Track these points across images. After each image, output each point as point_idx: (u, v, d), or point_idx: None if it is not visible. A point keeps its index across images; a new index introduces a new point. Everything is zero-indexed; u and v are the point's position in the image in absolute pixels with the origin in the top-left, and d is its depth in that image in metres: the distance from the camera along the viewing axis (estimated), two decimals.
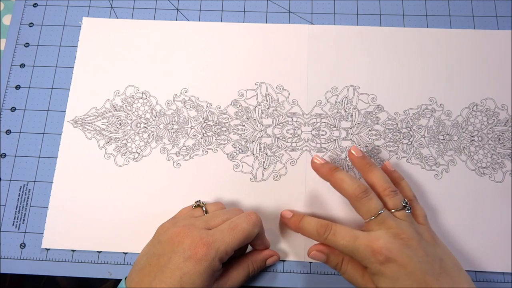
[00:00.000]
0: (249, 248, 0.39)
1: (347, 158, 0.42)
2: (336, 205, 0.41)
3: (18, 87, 0.45)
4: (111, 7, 0.48)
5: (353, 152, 0.39)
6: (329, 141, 0.43)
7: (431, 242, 0.35)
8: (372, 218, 0.35)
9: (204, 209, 0.37)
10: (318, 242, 0.38)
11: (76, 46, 0.46)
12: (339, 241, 0.34)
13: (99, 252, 0.40)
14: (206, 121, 0.44)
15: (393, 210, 0.36)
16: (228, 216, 0.35)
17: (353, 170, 0.42)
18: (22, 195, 0.42)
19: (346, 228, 0.35)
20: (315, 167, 0.39)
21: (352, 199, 0.36)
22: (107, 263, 0.40)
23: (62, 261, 0.40)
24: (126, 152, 0.43)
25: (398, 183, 0.39)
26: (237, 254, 0.37)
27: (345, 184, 0.36)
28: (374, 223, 0.35)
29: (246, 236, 0.34)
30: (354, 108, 0.44)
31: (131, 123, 0.44)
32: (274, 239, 0.40)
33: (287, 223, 0.39)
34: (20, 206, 0.42)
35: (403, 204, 0.36)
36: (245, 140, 0.43)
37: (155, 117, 0.44)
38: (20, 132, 0.44)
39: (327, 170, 0.38)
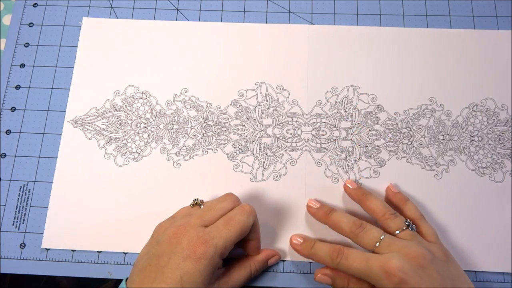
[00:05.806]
0: None
1: (347, 158, 0.42)
2: (335, 205, 0.41)
3: (18, 87, 0.45)
4: (111, 7, 0.48)
5: (348, 185, 0.40)
6: (329, 141, 0.43)
7: (443, 259, 0.34)
8: (377, 246, 0.34)
9: (201, 207, 0.37)
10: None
11: (76, 46, 0.46)
12: (352, 264, 0.34)
13: (99, 252, 0.40)
14: (206, 121, 0.44)
15: (397, 232, 0.35)
16: (222, 206, 0.35)
17: (352, 170, 0.42)
18: (22, 195, 0.42)
19: (357, 251, 0.35)
20: (312, 212, 0.39)
21: (351, 237, 0.36)
22: (107, 263, 0.40)
23: (62, 261, 0.40)
24: (126, 152, 0.43)
25: (403, 204, 0.39)
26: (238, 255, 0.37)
27: (342, 224, 0.37)
28: (381, 249, 0.34)
29: (242, 227, 0.34)
30: (354, 108, 0.44)
31: (131, 123, 0.44)
32: (275, 239, 0.40)
33: (298, 250, 0.38)
34: (20, 206, 0.42)
35: (406, 223, 0.36)
36: (245, 140, 0.43)
37: (155, 117, 0.44)
38: (20, 132, 0.44)
39: (322, 214, 0.38)
